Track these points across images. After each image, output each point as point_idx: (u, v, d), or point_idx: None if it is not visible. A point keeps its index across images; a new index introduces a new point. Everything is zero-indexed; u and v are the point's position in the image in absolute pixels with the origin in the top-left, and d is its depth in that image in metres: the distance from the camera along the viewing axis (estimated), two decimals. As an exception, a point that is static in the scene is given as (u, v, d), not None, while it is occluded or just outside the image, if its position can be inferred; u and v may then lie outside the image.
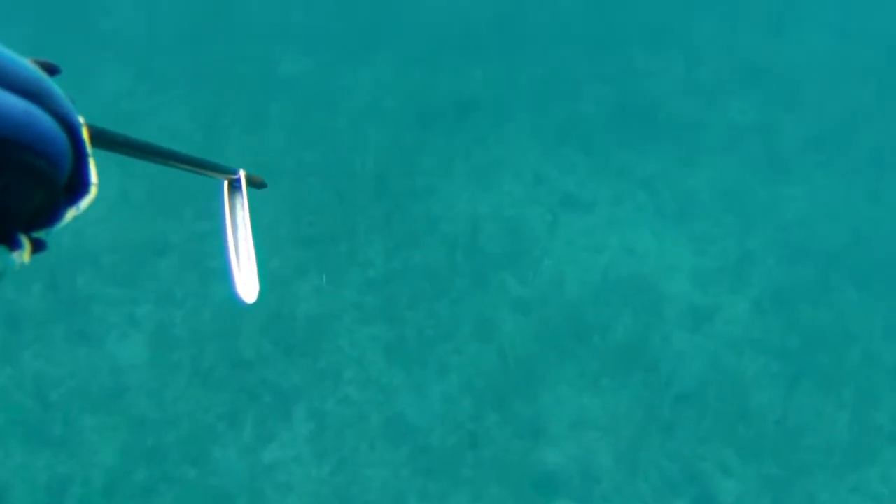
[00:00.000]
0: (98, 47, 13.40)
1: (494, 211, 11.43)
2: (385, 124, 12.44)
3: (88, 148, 1.14)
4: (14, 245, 1.00)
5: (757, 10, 17.04)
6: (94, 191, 1.17)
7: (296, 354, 9.92)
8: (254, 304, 1.93)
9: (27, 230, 1.05)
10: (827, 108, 14.36)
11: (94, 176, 1.15)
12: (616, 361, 10.12)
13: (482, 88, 13.09)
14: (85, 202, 1.14)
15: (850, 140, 13.76)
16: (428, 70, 13.69)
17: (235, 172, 1.85)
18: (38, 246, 1.07)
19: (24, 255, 1.01)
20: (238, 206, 1.83)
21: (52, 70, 1.11)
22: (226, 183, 1.84)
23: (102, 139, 1.28)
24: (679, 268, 11.21)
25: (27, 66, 1.01)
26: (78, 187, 1.13)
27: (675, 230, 11.68)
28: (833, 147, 13.57)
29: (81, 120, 1.13)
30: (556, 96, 13.57)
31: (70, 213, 1.13)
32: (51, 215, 1.09)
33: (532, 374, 10.02)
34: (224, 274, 1.72)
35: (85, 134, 1.13)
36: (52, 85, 1.05)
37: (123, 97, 12.53)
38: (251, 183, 1.90)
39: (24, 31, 13.24)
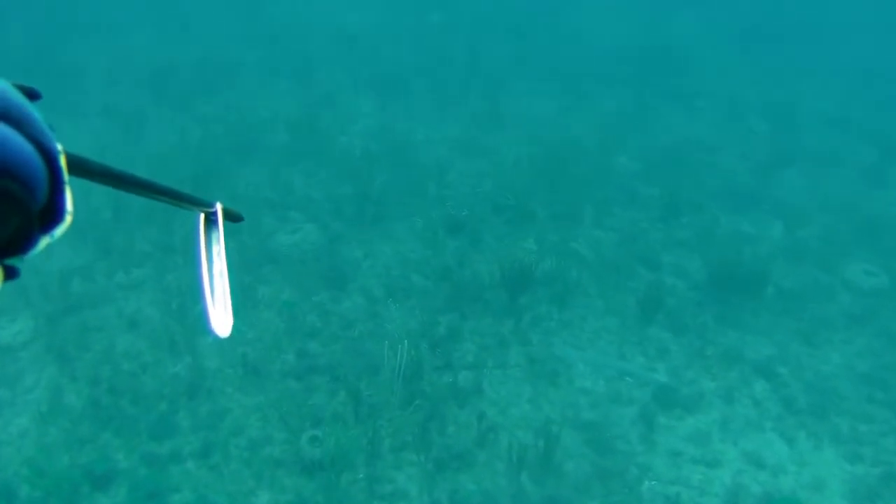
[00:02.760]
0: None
1: (568, 414, 8.83)
2: (411, 306, 9.96)
3: (65, 176, 1.09)
4: None
5: (846, 162, 15.09)
6: (69, 219, 1.10)
7: None
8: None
9: (0, 257, 1.04)
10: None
11: (69, 204, 1.10)
12: None
13: (537, 260, 10.67)
14: (60, 230, 1.09)
15: None
16: (466, 240, 11.41)
17: (212, 206, 1.73)
18: (10, 273, 1.06)
19: None
20: (214, 240, 1.69)
21: (32, 95, 1.13)
22: (202, 216, 1.72)
23: (80, 167, 1.22)
24: (829, 482, 8.56)
25: (8, 89, 1.04)
26: (53, 215, 1.08)
27: (813, 430, 9.07)
28: None
29: (60, 147, 1.09)
30: (631, 266, 11.21)
31: (44, 242, 1.08)
32: (25, 242, 1.04)
33: None
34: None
35: (63, 161, 1.09)
36: (32, 110, 1.06)
37: (75, 274, 10.14)
38: (228, 216, 1.76)
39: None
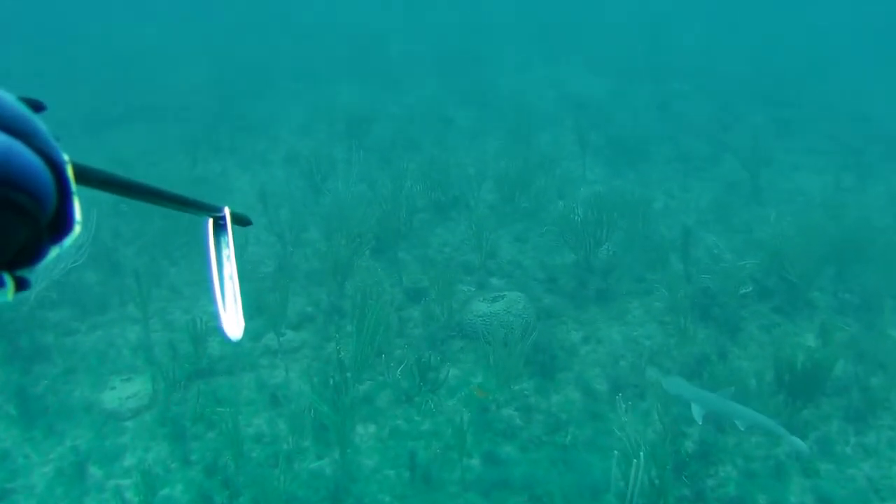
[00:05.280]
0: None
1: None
2: (648, 408, 7.64)
3: (73, 186, 1.12)
4: None
5: None
6: (77, 229, 1.12)
7: None
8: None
9: (10, 268, 1.05)
10: None
11: (78, 214, 1.12)
12: None
13: (827, 361, 8.01)
14: (69, 240, 1.11)
15: None
16: (721, 328, 8.95)
17: (220, 210, 1.79)
18: (21, 284, 1.07)
19: (7, 294, 1.04)
20: (223, 244, 1.78)
21: (37, 107, 1.15)
22: (210, 221, 1.78)
23: (87, 177, 1.25)
24: None
25: (12, 102, 1.06)
26: (62, 225, 1.10)
27: None
28: None
29: (66, 157, 1.13)
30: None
31: (53, 252, 1.10)
32: (34, 253, 1.07)
33: None
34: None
35: (70, 172, 1.12)
36: (38, 122, 1.08)
37: (215, 332, 8.38)
38: (236, 220, 1.84)
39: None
